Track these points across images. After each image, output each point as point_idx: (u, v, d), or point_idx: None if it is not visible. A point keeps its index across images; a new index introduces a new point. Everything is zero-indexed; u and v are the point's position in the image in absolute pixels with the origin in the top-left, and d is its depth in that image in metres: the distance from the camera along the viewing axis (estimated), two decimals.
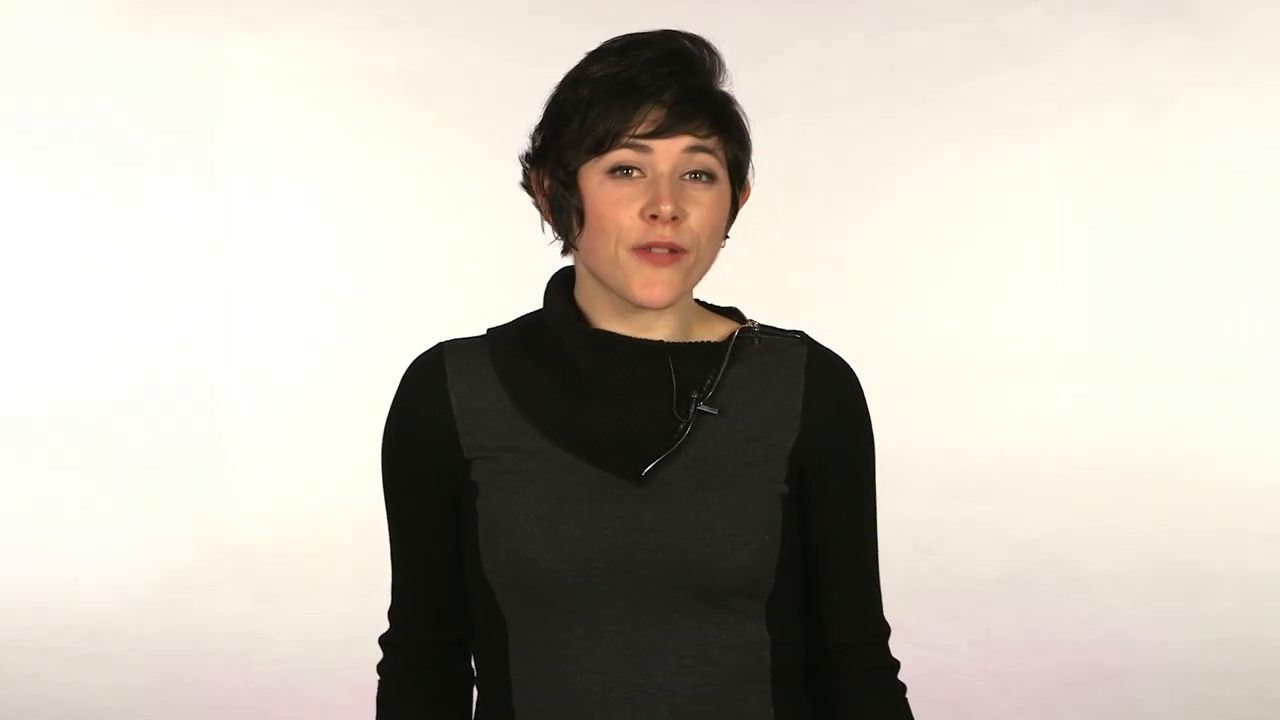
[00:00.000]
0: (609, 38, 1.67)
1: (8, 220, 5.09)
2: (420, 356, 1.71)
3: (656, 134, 1.60)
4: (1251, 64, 5.14)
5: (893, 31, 5.16)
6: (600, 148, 1.61)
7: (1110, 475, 5.07)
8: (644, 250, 1.60)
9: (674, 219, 1.59)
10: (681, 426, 1.64)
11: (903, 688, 1.73)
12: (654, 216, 1.59)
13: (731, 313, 1.74)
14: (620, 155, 1.61)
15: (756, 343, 1.70)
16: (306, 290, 5.14)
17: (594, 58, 1.65)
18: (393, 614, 1.76)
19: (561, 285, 1.71)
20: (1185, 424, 5.12)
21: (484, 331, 1.73)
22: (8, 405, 5.05)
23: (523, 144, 1.70)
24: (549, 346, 1.68)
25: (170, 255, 5.11)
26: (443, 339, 1.75)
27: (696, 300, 1.72)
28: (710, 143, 1.62)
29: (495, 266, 5.06)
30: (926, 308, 5.17)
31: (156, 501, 5.01)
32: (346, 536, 4.92)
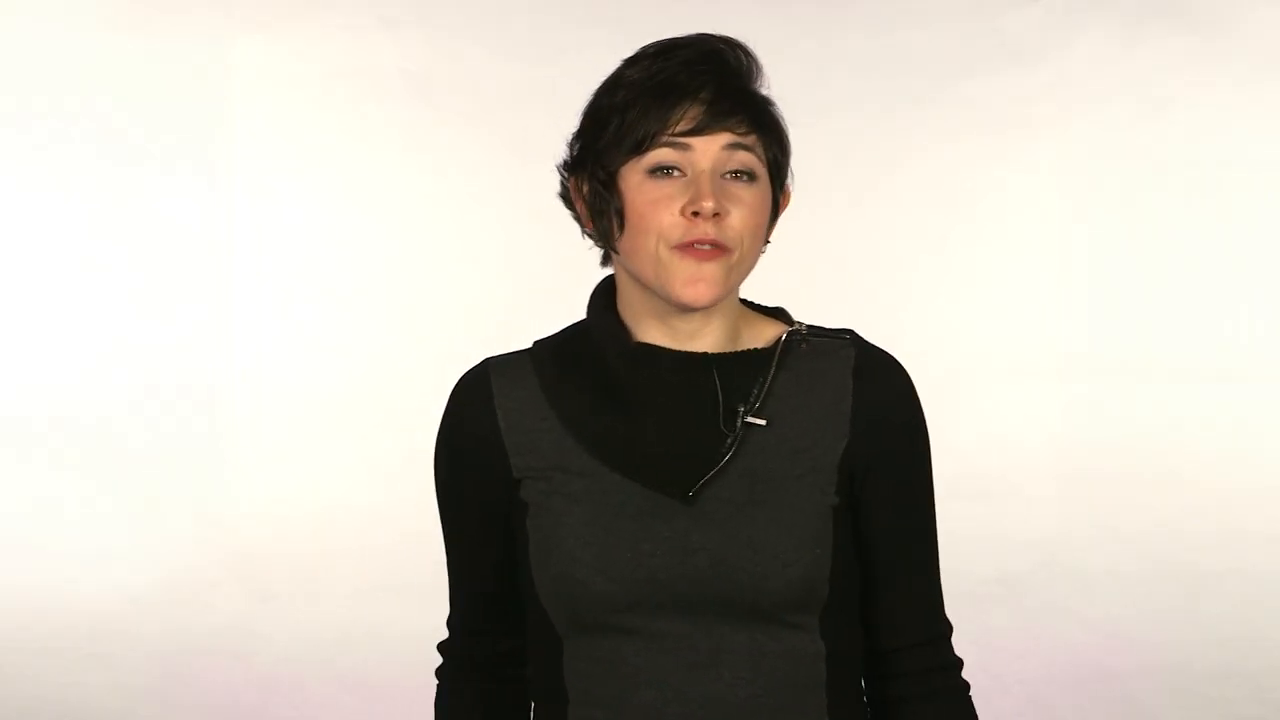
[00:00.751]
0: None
1: (8, 220, 5.09)
2: (466, 375, 1.70)
3: (695, 131, 1.59)
4: (1251, 64, 5.14)
5: (893, 31, 5.16)
6: (640, 147, 1.59)
7: (1110, 475, 5.07)
8: (686, 247, 1.58)
9: (716, 215, 1.58)
10: (729, 441, 1.62)
11: (964, 685, 1.71)
12: (695, 214, 1.58)
13: (778, 313, 1.72)
14: (660, 154, 1.59)
15: (804, 346, 1.68)
16: (306, 290, 5.14)
17: (629, 63, 1.63)
18: (451, 622, 1.77)
19: (604, 295, 1.69)
20: (1185, 424, 5.11)
21: (529, 344, 1.71)
22: (8, 405, 5.05)
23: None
24: (592, 361, 1.66)
25: (170, 255, 5.11)
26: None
27: (742, 301, 1.71)
28: (749, 140, 1.61)
29: (495, 266, 5.06)
30: (926, 308, 5.17)
31: (156, 501, 5.01)
32: (346, 536, 4.92)
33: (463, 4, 5.15)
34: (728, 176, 1.60)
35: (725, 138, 1.60)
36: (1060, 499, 5.07)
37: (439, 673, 1.77)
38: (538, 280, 4.51)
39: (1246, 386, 5.12)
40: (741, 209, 1.60)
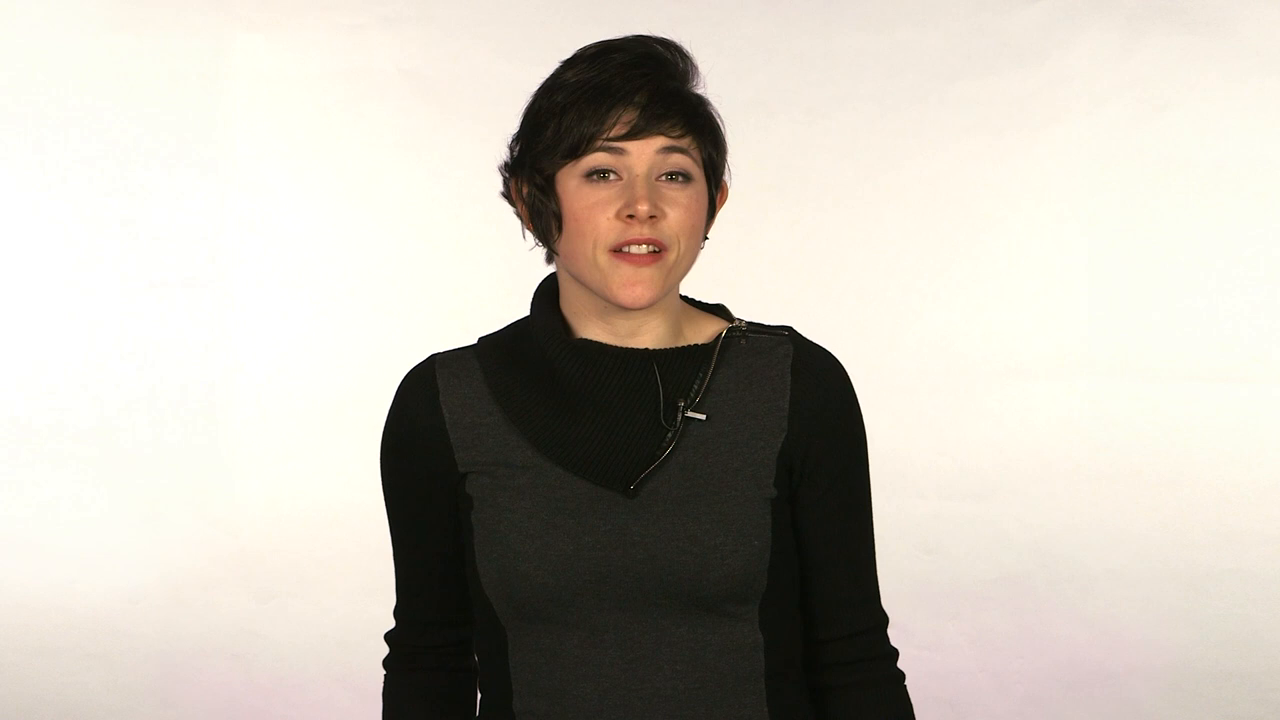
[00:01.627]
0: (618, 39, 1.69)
1: (8, 220, 5.09)
2: (412, 371, 1.73)
3: (630, 135, 1.61)
4: (1251, 64, 5.14)
5: (893, 31, 5.16)
6: (575, 152, 1.62)
7: (1110, 475, 5.07)
8: (622, 252, 1.61)
9: (651, 218, 1.61)
10: (669, 436, 1.65)
11: (899, 675, 1.75)
12: (630, 217, 1.60)
13: (719, 310, 1.75)
14: (595, 159, 1.62)
15: (744, 342, 1.71)
16: (306, 290, 5.14)
17: (567, 65, 1.66)
18: (397, 612, 1.79)
19: (547, 294, 1.73)
20: (1185, 424, 5.11)
21: (475, 340, 1.74)
22: (8, 405, 5.05)
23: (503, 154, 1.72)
24: (535, 357, 1.69)
25: (170, 255, 5.11)
26: (439, 345, 1.77)
27: (684, 298, 1.73)
28: (684, 142, 1.63)
29: (495, 267, 5.06)
30: (926, 308, 5.17)
31: (157, 501, 5.01)
32: (346, 536, 4.92)
33: (463, 4, 5.15)
34: (663, 179, 1.62)
35: (659, 141, 1.62)
36: (1060, 499, 5.07)
37: (386, 663, 1.79)
38: (538, 281, 4.51)
39: (1246, 386, 5.12)
40: (677, 210, 1.62)
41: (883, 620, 1.76)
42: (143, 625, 4.74)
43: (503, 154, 1.72)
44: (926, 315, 5.17)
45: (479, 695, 1.77)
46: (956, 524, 4.96)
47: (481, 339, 1.74)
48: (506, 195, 1.72)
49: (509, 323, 1.76)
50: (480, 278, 5.08)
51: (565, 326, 1.69)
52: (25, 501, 4.99)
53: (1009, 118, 5.17)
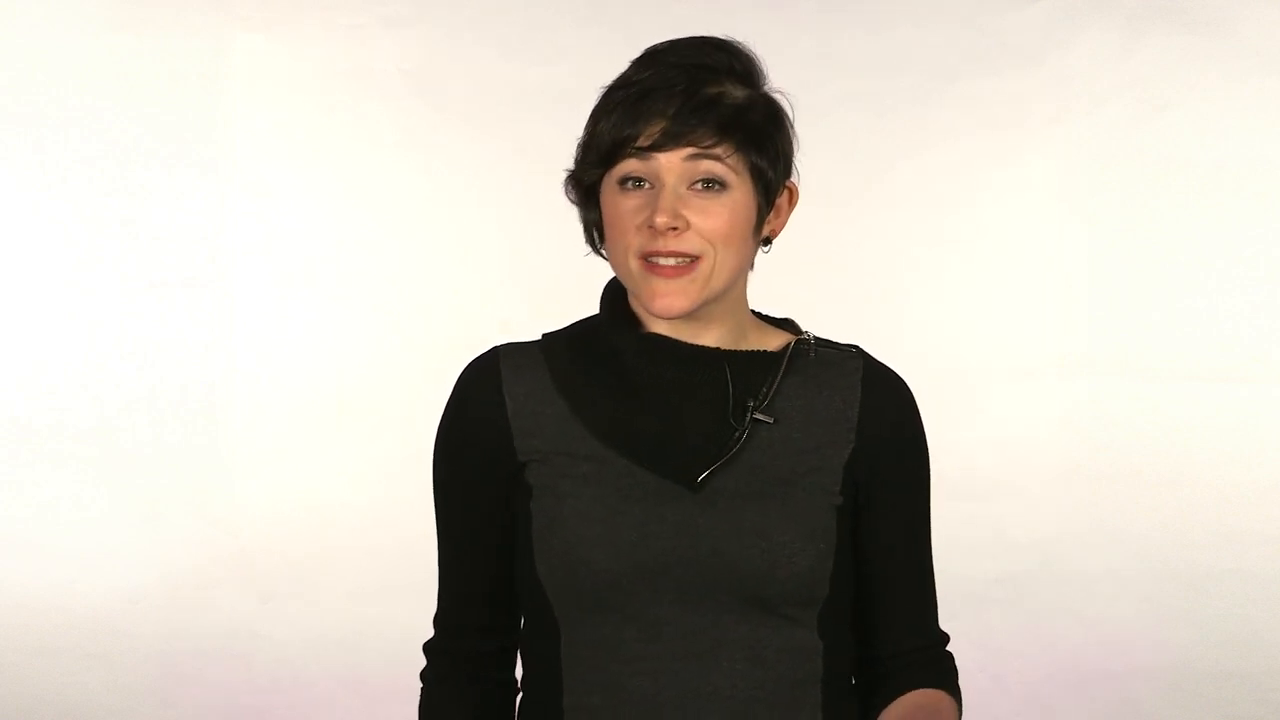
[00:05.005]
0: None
1: (8, 220, 5.09)
2: (475, 359, 1.71)
3: (656, 146, 1.60)
4: (1252, 64, 5.14)
5: (893, 31, 5.16)
6: (609, 160, 1.61)
7: (1110, 475, 5.07)
8: (651, 263, 1.60)
9: (674, 229, 1.59)
10: (737, 434, 1.63)
11: (951, 660, 1.74)
12: (652, 227, 1.59)
13: (787, 324, 1.74)
14: (626, 166, 1.61)
15: (812, 354, 1.70)
16: (306, 290, 5.14)
17: (633, 64, 1.65)
18: (439, 620, 1.76)
19: (617, 291, 1.71)
20: (1185, 424, 5.11)
21: (539, 336, 1.73)
22: (8, 405, 5.05)
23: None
24: (604, 351, 1.67)
25: (170, 255, 5.11)
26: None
27: (754, 311, 1.72)
28: (716, 150, 1.61)
29: (496, 267, 5.06)
30: (926, 308, 5.17)
31: (156, 501, 5.00)
32: (346, 536, 4.92)
33: (463, 4, 5.14)
34: (697, 186, 1.61)
35: (687, 150, 1.60)
36: (1060, 499, 5.07)
37: (424, 675, 1.76)
38: (538, 281, 4.51)
39: (1246, 386, 5.12)
40: (705, 219, 1.61)
41: (943, 637, 1.75)
42: (143, 625, 4.74)
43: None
44: (927, 315, 5.17)
45: (519, 698, 1.74)
46: (956, 524, 4.95)
47: (545, 335, 1.72)
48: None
49: (574, 320, 1.74)
50: (480, 278, 5.08)
51: (636, 322, 1.68)
52: (25, 501, 4.99)
53: (1009, 118, 5.16)
